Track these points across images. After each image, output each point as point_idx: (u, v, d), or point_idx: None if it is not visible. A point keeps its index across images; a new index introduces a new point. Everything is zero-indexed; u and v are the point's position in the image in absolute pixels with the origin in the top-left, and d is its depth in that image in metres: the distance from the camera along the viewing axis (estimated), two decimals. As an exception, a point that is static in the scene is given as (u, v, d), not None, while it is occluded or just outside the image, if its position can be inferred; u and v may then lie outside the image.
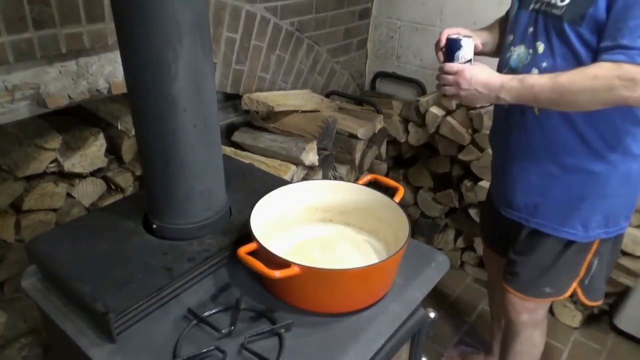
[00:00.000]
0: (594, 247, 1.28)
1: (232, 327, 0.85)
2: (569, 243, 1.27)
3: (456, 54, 1.19)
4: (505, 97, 1.11)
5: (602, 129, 1.13)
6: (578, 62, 1.08)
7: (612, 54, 0.99)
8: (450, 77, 1.16)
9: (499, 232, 1.48)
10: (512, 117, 1.25)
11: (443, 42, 1.22)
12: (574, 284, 1.34)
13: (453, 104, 1.18)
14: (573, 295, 1.38)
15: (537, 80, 1.07)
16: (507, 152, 1.30)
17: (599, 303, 1.43)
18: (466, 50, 1.19)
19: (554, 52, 1.11)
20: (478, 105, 1.18)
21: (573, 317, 2.07)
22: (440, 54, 1.24)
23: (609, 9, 1.01)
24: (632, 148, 1.15)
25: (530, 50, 1.16)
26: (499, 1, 2.00)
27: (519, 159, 1.27)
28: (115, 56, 1.39)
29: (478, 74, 1.13)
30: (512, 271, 1.37)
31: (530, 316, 1.42)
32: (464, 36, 1.19)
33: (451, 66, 1.16)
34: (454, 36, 1.20)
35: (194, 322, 0.87)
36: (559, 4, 1.08)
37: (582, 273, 1.33)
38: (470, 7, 2.20)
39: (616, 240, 1.31)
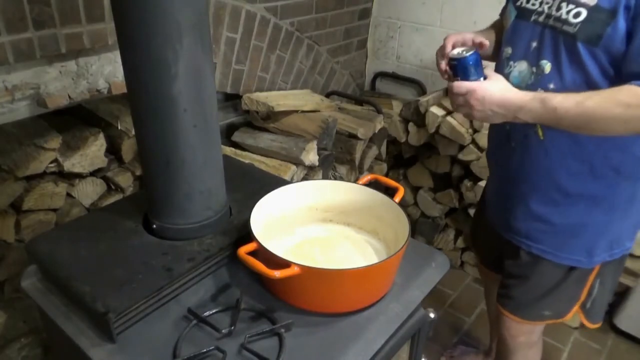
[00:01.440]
0: (596, 270, 1.22)
1: (232, 327, 0.85)
2: (571, 268, 1.21)
3: (464, 72, 1.06)
4: (524, 118, 1.00)
5: (612, 156, 1.07)
6: (589, 86, 1.00)
7: None
8: (460, 98, 1.04)
9: (494, 252, 1.41)
10: (513, 139, 1.17)
11: (448, 48, 1.12)
12: (575, 307, 1.29)
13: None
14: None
15: (560, 102, 0.95)
16: (507, 175, 1.24)
17: (599, 325, 1.37)
18: (474, 66, 1.05)
19: (563, 73, 1.02)
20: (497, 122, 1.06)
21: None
22: (443, 65, 1.14)
23: (631, 31, 0.92)
24: (637, 172, 1.10)
25: (534, 69, 1.07)
26: (499, 0, 2.00)
27: (519, 183, 1.20)
28: (115, 56, 1.39)
29: (492, 92, 1.00)
30: (508, 295, 1.31)
31: (525, 337, 1.37)
32: (469, 51, 1.07)
33: (460, 85, 1.03)
34: (456, 54, 1.07)
35: (194, 322, 0.87)
36: (572, 20, 0.98)
37: (583, 297, 1.27)
38: (471, 7, 2.20)
39: (620, 261, 1.24)
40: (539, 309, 1.29)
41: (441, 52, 1.17)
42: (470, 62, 1.05)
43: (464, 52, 1.07)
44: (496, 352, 1.56)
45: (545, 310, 1.29)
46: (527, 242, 1.23)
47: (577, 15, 0.97)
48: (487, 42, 1.17)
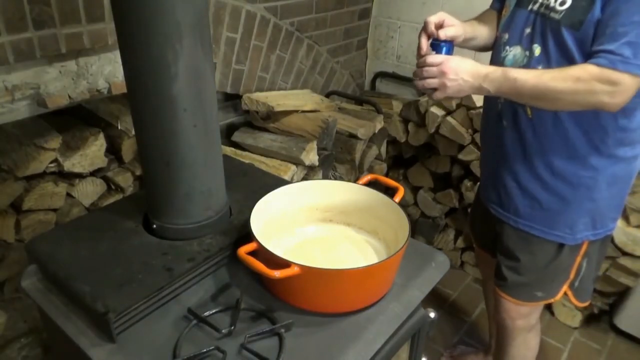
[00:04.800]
0: (583, 249, 1.28)
1: (232, 327, 0.85)
2: (560, 247, 1.27)
3: (440, 52, 1.18)
4: (488, 87, 1.09)
5: (591, 134, 1.14)
6: None
7: (597, 57, 1.00)
8: (434, 69, 1.12)
9: (489, 233, 1.47)
10: (505, 118, 1.24)
11: (432, 28, 1.21)
12: (565, 287, 1.35)
13: (438, 97, 1.16)
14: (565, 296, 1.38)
15: (520, 74, 1.06)
16: (499, 153, 1.30)
17: (587, 304, 1.44)
18: (449, 51, 1.19)
19: (549, 55, 1.11)
20: (462, 96, 1.15)
21: (573, 317, 2.07)
22: (424, 42, 1.21)
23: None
24: (618, 152, 1.16)
25: (527, 52, 1.16)
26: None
27: (511, 160, 1.26)
28: (115, 56, 1.39)
29: (463, 63, 1.11)
30: (504, 276, 1.37)
31: (525, 321, 1.42)
32: (445, 41, 1.19)
33: (435, 57, 1.13)
34: (435, 42, 1.20)
35: (194, 322, 0.87)
36: (558, 8, 1.08)
37: (572, 275, 1.33)
38: (471, 6, 2.19)
39: (603, 241, 1.32)
40: (531, 289, 1.35)
41: (425, 30, 1.23)
42: (446, 48, 1.19)
43: (442, 43, 1.20)
44: (496, 340, 1.59)
45: (538, 291, 1.35)
46: (515, 218, 1.30)
47: (562, 3, 1.08)
48: (459, 37, 1.25)
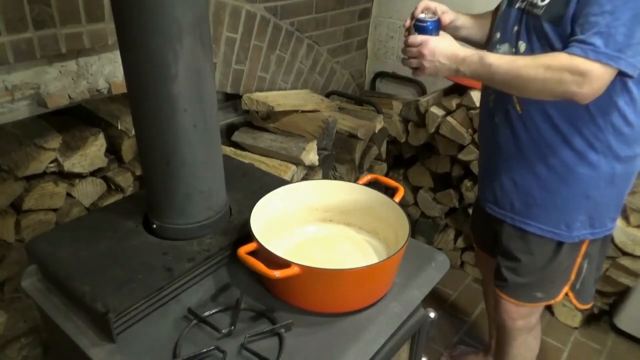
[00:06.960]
0: (583, 249, 1.28)
1: (232, 327, 0.85)
2: (559, 246, 1.26)
3: (423, 33, 1.19)
4: (464, 70, 1.11)
5: (583, 130, 1.13)
6: None
7: (570, 47, 1.00)
8: (413, 49, 1.15)
9: (489, 234, 1.47)
10: (497, 115, 1.25)
11: (419, 10, 1.22)
12: (565, 288, 1.34)
13: (419, 75, 1.19)
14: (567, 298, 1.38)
15: (496, 60, 1.07)
16: (494, 150, 1.30)
17: (589, 306, 1.43)
18: (433, 30, 1.19)
19: (533, 52, 1.11)
20: (442, 77, 1.19)
21: (573, 317, 2.07)
22: (408, 21, 1.24)
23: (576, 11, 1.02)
24: (616, 149, 1.15)
25: (513, 50, 1.16)
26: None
27: (506, 158, 1.27)
28: (115, 56, 1.39)
29: (441, 45, 1.13)
30: (504, 277, 1.36)
31: (525, 321, 1.42)
32: (432, 18, 1.20)
33: (415, 38, 1.16)
34: (422, 17, 1.20)
35: (194, 322, 0.87)
36: (539, 3, 1.08)
37: (572, 277, 1.32)
38: (471, 6, 2.20)
39: (604, 241, 1.31)
40: (531, 290, 1.35)
41: (412, 13, 1.26)
42: (431, 27, 1.18)
43: (428, 18, 1.20)
44: (496, 341, 1.59)
45: (537, 292, 1.34)
46: (512, 215, 1.30)
47: None
48: (446, 20, 1.27)
